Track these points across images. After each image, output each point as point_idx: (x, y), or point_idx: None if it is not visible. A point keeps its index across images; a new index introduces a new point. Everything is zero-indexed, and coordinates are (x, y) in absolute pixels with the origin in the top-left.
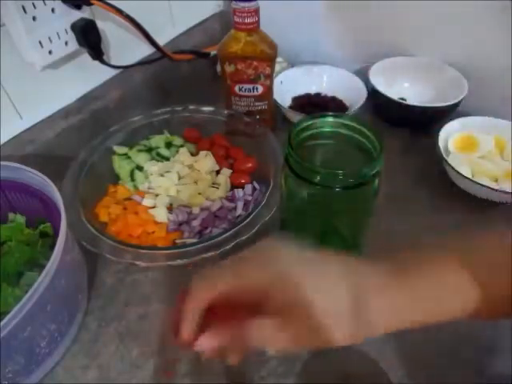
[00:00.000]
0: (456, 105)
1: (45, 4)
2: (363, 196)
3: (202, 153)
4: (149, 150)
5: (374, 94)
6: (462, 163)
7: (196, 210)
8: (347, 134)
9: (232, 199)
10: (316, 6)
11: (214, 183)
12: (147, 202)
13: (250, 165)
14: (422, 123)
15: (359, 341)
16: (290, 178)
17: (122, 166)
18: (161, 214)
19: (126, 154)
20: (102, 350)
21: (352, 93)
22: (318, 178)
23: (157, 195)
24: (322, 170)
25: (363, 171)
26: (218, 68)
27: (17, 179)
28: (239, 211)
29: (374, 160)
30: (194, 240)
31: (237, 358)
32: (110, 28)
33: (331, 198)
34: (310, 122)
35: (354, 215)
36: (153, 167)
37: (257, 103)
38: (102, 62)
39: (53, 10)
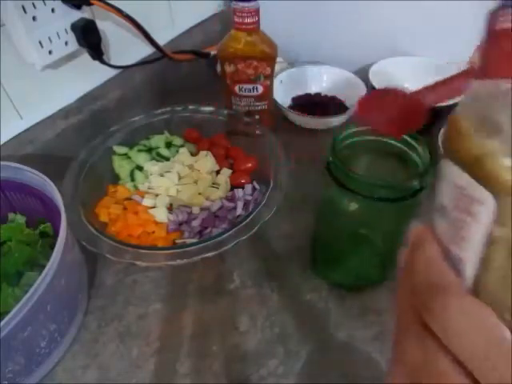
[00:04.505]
0: (456, 105)
1: (45, 4)
2: (406, 209)
3: (202, 153)
4: (149, 150)
5: None
6: None
7: (196, 210)
8: (391, 143)
9: (232, 199)
10: (316, 7)
11: (214, 183)
12: (147, 201)
13: (249, 165)
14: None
15: None
16: (332, 187)
17: (121, 166)
18: (161, 214)
19: (126, 154)
20: (102, 350)
21: (352, 93)
22: (364, 188)
23: (157, 195)
24: (370, 180)
25: (412, 184)
26: (218, 68)
27: (17, 179)
28: (239, 211)
29: (423, 173)
30: (194, 240)
31: None
32: (109, 28)
33: (373, 210)
34: (353, 130)
35: (391, 228)
36: (153, 167)
37: (257, 103)
38: (102, 62)
39: (53, 10)
